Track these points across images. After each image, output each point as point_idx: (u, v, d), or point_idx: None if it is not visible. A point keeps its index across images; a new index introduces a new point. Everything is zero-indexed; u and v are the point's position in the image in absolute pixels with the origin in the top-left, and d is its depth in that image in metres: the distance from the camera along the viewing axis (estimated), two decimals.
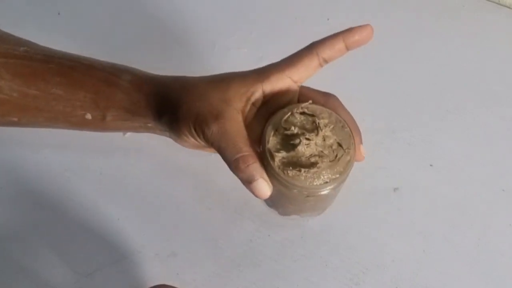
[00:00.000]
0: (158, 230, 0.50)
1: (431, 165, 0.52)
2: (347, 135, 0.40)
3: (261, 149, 0.40)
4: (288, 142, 0.39)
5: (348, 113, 0.42)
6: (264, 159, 0.39)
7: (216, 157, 0.51)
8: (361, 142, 0.42)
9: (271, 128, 0.40)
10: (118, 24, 0.62)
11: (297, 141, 0.38)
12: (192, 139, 0.42)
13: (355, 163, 0.40)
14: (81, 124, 0.47)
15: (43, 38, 0.47)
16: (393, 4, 0.62)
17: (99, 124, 0.46)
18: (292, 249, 0.49)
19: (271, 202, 0.45)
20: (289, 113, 0.40)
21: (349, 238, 0.49)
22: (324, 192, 0.39)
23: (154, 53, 0.51)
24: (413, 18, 0.62)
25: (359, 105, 0.54)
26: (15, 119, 0.46)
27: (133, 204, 0.51)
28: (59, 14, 0.62)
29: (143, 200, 0.51)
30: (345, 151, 0.39)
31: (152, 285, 0.43)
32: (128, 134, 0.54)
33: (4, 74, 0.43)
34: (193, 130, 0.41)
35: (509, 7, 0.62)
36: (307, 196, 0.40)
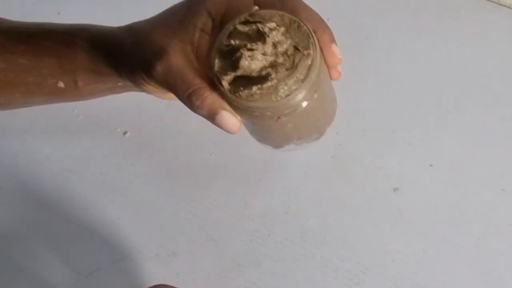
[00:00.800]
0: (158, 230, 0.50)
1: (431, 165, 0.52)
2: (305, 36, 0.34)
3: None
4: (232, 60, 0.33)
5: (312, 11, 0.36)
6: (216, 87, 0.34)
7: (216, 157, 0.51)
8: (333, 41, 0.36)
9: (216, 50, 0.34)
10: (117, 24, 0.62)
11: (238, 54, 0.33)
12: (152, 88, 0.39)
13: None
14: (57, 94, 0.45)
15: None
16: (393, 4, 0.62)
17: (74, 92, 0.44)
18: (292, 249, 0.49)
19: (257, 136, 0.39)
20: (231, 27, 0.34)
21: (349, 238, 0.49)
22: (293, 107, 0.34)
23: None
24: (413, 18, 0.61)
25: (359, 105, 0.54)
26: None
27: (133, 204, 0.51)
28: (59, 14, 0.62)
29: (143, 200, 0.51)
30: (304, 54, 0.33)
31: (152, 285, 0.43)
32: (128, 134, 0.54)
33: None
34: (145, 78, 0.37)
35: (509, 7, 0.62)
36: (277, 118, 0.34)
